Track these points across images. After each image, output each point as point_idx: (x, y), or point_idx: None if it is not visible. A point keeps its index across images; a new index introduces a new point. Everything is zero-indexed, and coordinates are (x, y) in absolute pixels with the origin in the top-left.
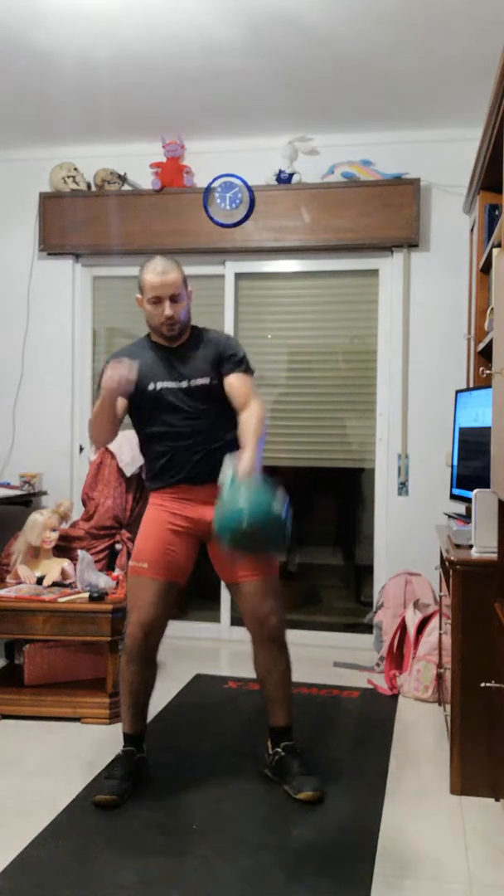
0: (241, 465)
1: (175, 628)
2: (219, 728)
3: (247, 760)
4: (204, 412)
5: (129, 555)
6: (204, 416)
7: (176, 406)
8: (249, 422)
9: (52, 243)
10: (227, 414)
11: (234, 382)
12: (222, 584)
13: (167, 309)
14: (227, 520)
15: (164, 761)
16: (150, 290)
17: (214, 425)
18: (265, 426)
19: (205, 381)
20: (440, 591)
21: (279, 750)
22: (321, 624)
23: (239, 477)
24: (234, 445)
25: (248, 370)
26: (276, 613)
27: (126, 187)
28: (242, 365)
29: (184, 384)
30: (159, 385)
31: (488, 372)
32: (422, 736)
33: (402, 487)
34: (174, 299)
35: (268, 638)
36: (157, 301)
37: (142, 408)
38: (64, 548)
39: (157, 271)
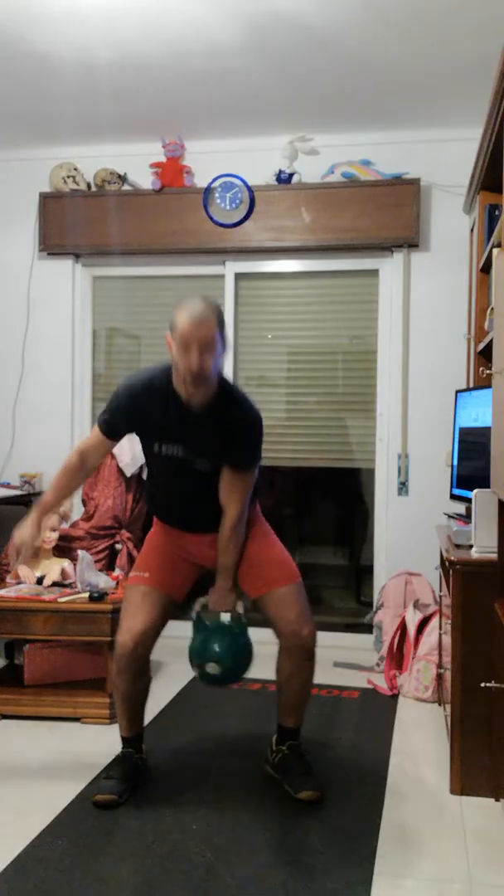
0: (213, 599)
1: (175, 628)
2: (219, 728)
3: (247, 760)
4: (204, 476)
5: (129, 555)
6: (204, 479)
7: (177, 468)
8: (224, 536)
9: (52, 243)
10: None
11: (228, 477)
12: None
13: (194, 359)
14: (197, 658)
15: (164, 761)
16: (181, 334)
17: (215, 483)
18: (241, 532)
19: (206, 465)
20: (440, 591)
21: (283, 748)
22: (321, 624)
23: (210, 608)
24: None
25: (251, 467)
26: (309, 622)
27: (126, 187)
28: (247, 466)
29: (189, 457)
30: (164, 449)
31: (488, 372)
32: (422, 736)
33: (402, 487)
34: (205, 350)
35: (299, 646)
36: (186, 349)
37: (144, 449)
38: (64, 548)
39: (191, 315)
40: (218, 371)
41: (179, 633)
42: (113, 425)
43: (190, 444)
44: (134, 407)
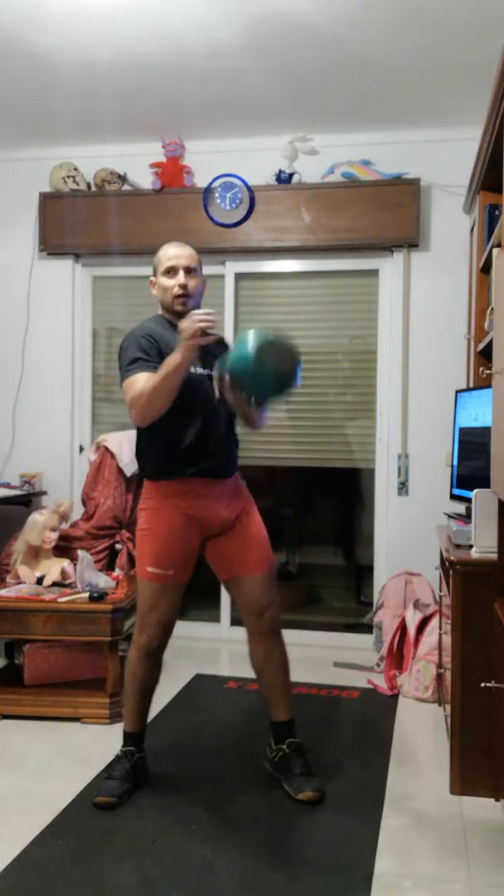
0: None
1: (175, 628)
2: (219, 728)
3: (247, 760)
4: (221, 399)
5: (129, 555)
6: (220, 404)
7: (198, 388)
8: None
9: (52, 243)
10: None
11: None
12: (222, 584)
13: (181, 278)
14: (241, 346)
15: (164, 761)
16: (166, 260)
17: (229, 416)
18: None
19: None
20: (440, 591)
21: (284, 747)
22: (321, 624)
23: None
24: (237, 447)
25: None
26: (274, 606)
27: (126, 187)
28: None
29: (206, 371)
30: (193, 369)
31: (488, 372)
32: (422, 736)
33: (402, 487)
34: (189, 272)
35: (266, 629)
36: (173, 271)
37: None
38: (64, 548)
39: (173, 245)
40: (199, 299)
41: (179, 633)
42: (151, 356)
43: (200, 359)
44: (151, 335)
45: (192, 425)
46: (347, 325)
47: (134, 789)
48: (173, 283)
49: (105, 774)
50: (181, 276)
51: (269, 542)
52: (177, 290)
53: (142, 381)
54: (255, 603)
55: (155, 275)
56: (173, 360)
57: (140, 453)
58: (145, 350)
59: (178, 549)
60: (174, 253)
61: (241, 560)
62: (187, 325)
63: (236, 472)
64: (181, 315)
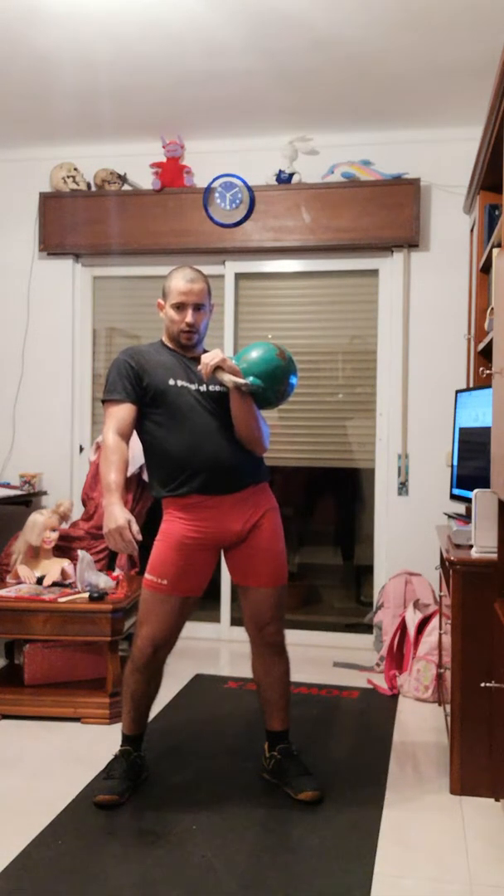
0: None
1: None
2: (219, 728)
3: (246, 761)
4: (222, 415)
5: (129, 555)
6: (222, 419)
7: (195, 406)
8: None
9: (52, 243)
10: None
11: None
12: (222, 584)
13: (189, 316)
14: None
15: (164, 761)
16: (176, 295)
17: (232, 431)
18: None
19: (217, 387)
20: (440, 591)
21: (275, 753)
22: (321, 624)
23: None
24: (253, 459)
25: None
26: (277, 622)
27: (126, 187)
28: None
29: (202, 388)
30: (179, 382)
31: (488, 372)
32: (422, 736)
33: (402, 487)
34: (197, 308)
35: (265, 644)
36: (181, 307)
37: (159, 409)
38: (64, 548)
39: (185, 278)
40: (206, 328)
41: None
42: (126, 386)
43: (197, 378)
44: (134, 360)
45: (183, 440)
46: (347, 325)
47: (133, 787)
48: (181, 319)
49: (105, 774)
50: (190, 314)
51: (283, 557)
52: (184, 327)
53: (111, 418)
54: (256, 616)
55: (163, 298)
56: (108, 500)
57: (147, 469)
58: (123, 377)
59: (175, 560)
60: (185, 289)
61: (249, 572)
62: (204, 363)
63: (253, 484)
64: (185, 346)
